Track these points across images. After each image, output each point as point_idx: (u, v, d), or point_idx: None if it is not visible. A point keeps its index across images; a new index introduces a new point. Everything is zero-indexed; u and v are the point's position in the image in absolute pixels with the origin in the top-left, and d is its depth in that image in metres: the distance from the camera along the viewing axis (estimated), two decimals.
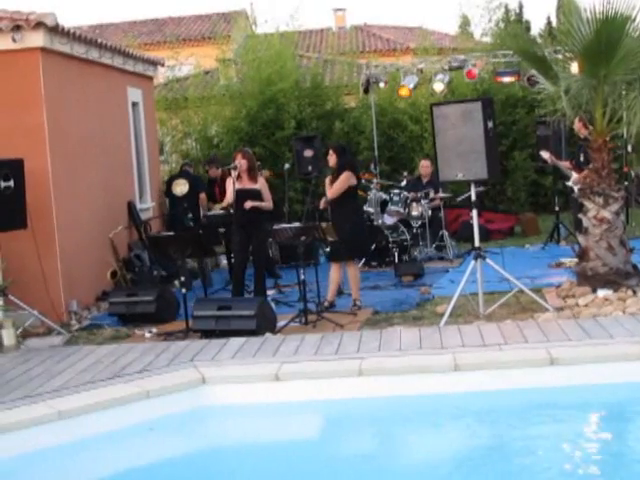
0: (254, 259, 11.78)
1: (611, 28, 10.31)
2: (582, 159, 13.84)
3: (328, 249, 11.77)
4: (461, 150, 10.25)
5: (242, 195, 11.38)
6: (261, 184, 11.64)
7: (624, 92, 10.95)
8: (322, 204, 11.56)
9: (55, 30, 12.07)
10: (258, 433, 7.78)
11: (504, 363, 7.98)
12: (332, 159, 11.41)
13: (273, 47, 20.09)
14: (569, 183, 14.49)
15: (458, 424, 7.62)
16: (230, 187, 11.46)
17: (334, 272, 11.59)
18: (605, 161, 11.05)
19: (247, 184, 11.54)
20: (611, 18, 10.25)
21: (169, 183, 15.18)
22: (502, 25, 23.26)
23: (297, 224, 11.19)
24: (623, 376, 7.72)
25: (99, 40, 13.85)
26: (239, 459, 7.26)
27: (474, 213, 10.71)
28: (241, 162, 11.49)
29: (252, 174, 11.57)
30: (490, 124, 10.17)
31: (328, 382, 7.97)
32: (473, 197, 10.67)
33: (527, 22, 35.02)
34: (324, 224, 10.68)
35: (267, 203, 11.65)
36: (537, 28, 26.20)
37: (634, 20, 10.41)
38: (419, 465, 6.99)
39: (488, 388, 7.80)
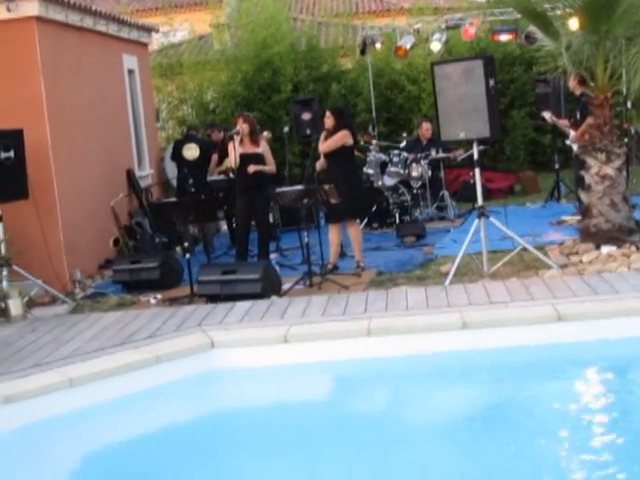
0: (257, 223, 11.77)
1: None
2: (579, 117, 13.80)
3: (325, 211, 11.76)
4: (463, 109, 10.18)
5: (245, 159, 11.37)
6: (263, 147, 11.62)
7: (625, 48, 10.88)
8: (318, 165, 11.49)
9: None
10: (268, 395, 7.81)
11: (511, 320, 8.00)
12: (329, 121, 11.35)
13: (267, 10, 19.94)
14: (567, 141, 14.45)
15: (468, 382, 7.67)
16: (232, 152, 11.43)
17: (334, 234, 11.56)
18: (607, 117, 11.00)
19: (249, 148, 11.52)
20: None
21: (176, 148, 15.04)
22: None
23: (300, 187, 11.15)
24: (631, 330, 7.74)
25: (94, 7, 13.75)
26: (250, 422, 7.30)
27: (477, 172, 10.65)
28: (243, 126, 11.47)
29: (254, 138, 11.56)
30: (492, 82, 10.11)
31: (337, 343, 8.00)
32: (475, 156, 10.62)
33: None
34: (327, 186, 10.64)
35: (270, 167, 11.64)
36: None
37: None
38: (429, 423, 7.03)
39: (496, 345, 7.82)
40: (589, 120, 13.02)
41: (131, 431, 7.31)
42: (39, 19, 11.85)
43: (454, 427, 6.83)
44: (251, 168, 11.35)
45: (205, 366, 7.90)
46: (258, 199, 11.49)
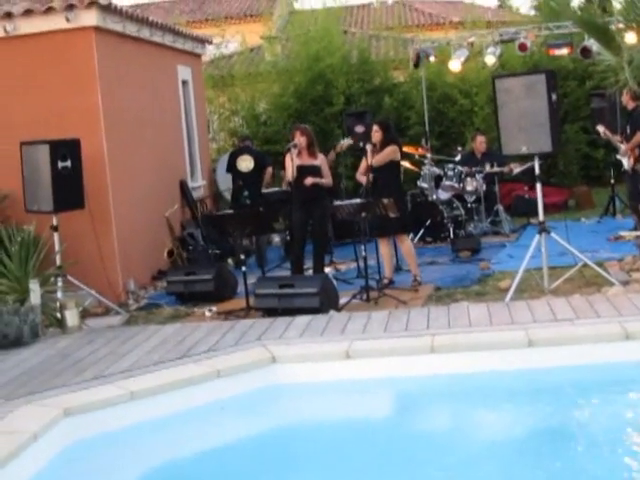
0: (313, 236, 11.68)
1: None
2: (629, 131, 13.68)
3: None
4: (524, 123, 10.08)
5: (303, 172, 11.31)
6: (321, 160, 11.55)
7: None
8: (364, 179, 11.37)
9: (108, 9, 12.03)
10: (331, 411, 7.74)
11: (578, 338, 7.84)
12: (377, 135, 11.32)
13: (320, 23, 19.90)
14: (618, 155, 14.28)
15: (536, 400, 7.52)
16: (290, 164, 11.37)
17: (385, 248, 11.50)
18: None
19: (307, 160, 11.46)
20: None
21: (232, 159, 14.99)
22: None
23: (358, 200, 11.06)
24: None
25: (150, 18, 13.78)
26: (313, 438, 7.20)
27: (538, 187, 10.51)
28: (300, 139, 11.42)
29: (312, 150, 11.51)
30: (554, 96, 10.02)
31: (400, 359, 7.87)
32: (537, 171, 10.47)
33: None
34: (385, 200, 10.53)
35: (327, 180, 11.56)
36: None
37: None
38: (494, 442, 6.91)
39: (563, 363, 7.67)
40: (638, 135, 12.98)
41: (193, 446, 7.23)
42: (97, 29, 11.88)
43: (520, 447, 6.71)
44: (309, 180, 11.29)
45: (266, 381, 7.80)
46: (315, 212, 11.40)
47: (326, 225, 11.92)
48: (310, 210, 11.37)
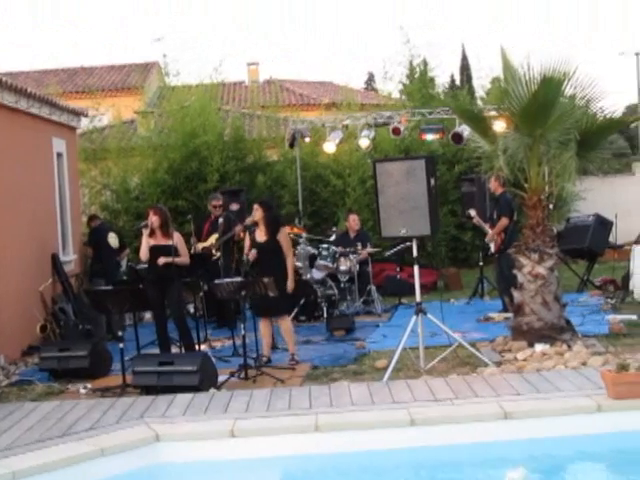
0: (171, 314, 11.68)
1: (547, 89, 10.59)
2: (495, 216, 14.22)
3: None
4: (404, 206, 10.34)
5: (156, 252, 11.35)
6: (177, 239, 11.49)
7: (558, 151, 11.22)
8: (251, 255, 11.44)
9: None
10: None
11: (459, 418, 8.02)
12: (258, 214, 11.43)
13: (196, 99, 20.05)
14: (486, 239, 14.74)
15: (418, 478, 7.63)
16: (144, 244, 11.41)
17: (265, 327, 11.55)
18: (539, 218, 11.31)
19: (161, 240, 11.45)
20: (548, 79, 10.52)
21: (98, 235, 14.96)
22: (407, 81, 23.49)
23: (239, 279, 11.11)
24: (577, 429, 7.82)
25: (29, 89, 13.67)
26: None
27: (415, 269, 10.86)
28: (153, 219, 11.43)
29: (165, 230, 11.46)
30: (432, 181, 10.31)
31: (285, 438, 7.89)
32: (415, 253, 10.77)
33: (432, 79, 35.54)
34: (266, 279, 10.62)
35: (183, 258, 11.54)
36: (441, 85, 26.72)
37: (569, 81, 10.73)
38: None
39: (445, 442, 7.82)
40: (503, 220, 13.52)
41: None
42: None
43: None
44: (161, 260, 11.28)
45: (151, 460, 7.70)
46: (169, 291, 11.40)
47: (182, 304, 11.89)
48: (164, 289, 11.37)
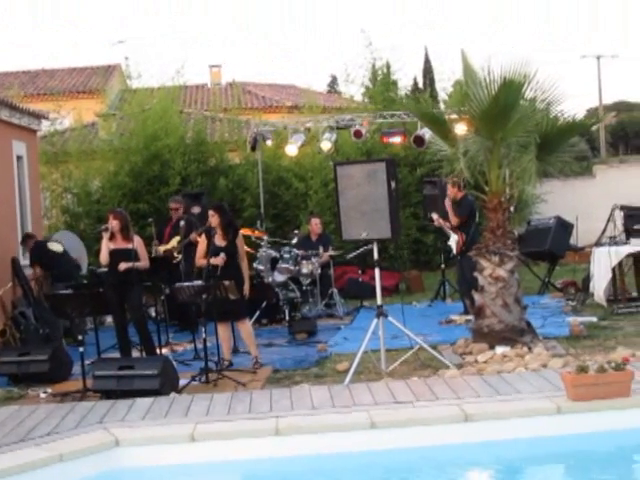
0: (131, 318, 11.66)
1: (508, 92, 10.64)
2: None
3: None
4: (365, 209, 10.36)
5: (116, 255, 11.32)
6: (137, 243, 11.45)
7: (518, 154, 11.28)
8: (220, 260, 11.36)
9: None
10: None
11: (419, 420, 8.02)
12: (214, 219, 11.38)
13: (158, 102, 19.97)
14: (449, 242, 14.80)
15: None
16: (104, 247, 11.37)
17: (224, 331, 11.50)
18: (500, 221, 11.37)
19: (121, 244, 11.41)
20: (508, 82, 10.58)
21: (38, 250, 14.89)
22: (370, 84, 23.52)
23: (199, 282, 11.05)
24: (536, 430, 7.85)
25: None
26: None
27: (377, 271, 10.85)
28: (113, 223, 11.39)
29: (125, 234, 11.44)
30: (393, 184, 10.32)
31: (245, 442, 7.85)
32: (376, 256, 10.81)
33: (394, 82, 35.57)
34: (227, 282, 10.59)
35: (143, 262, 11.51)
36: (403, 88, 26.74)
37: (529, 84, 10.79)
38: None
39: (405, 445, 7.82)
40: (455, 218, 13.61)
41: None
42: None
43: None
44: (122, 266, 11.25)
45: (110, 464, 7.64)
46: (129, 295, 11.38)
47: (141, 307, 11.86)
48: (124, 293, 11.34)
